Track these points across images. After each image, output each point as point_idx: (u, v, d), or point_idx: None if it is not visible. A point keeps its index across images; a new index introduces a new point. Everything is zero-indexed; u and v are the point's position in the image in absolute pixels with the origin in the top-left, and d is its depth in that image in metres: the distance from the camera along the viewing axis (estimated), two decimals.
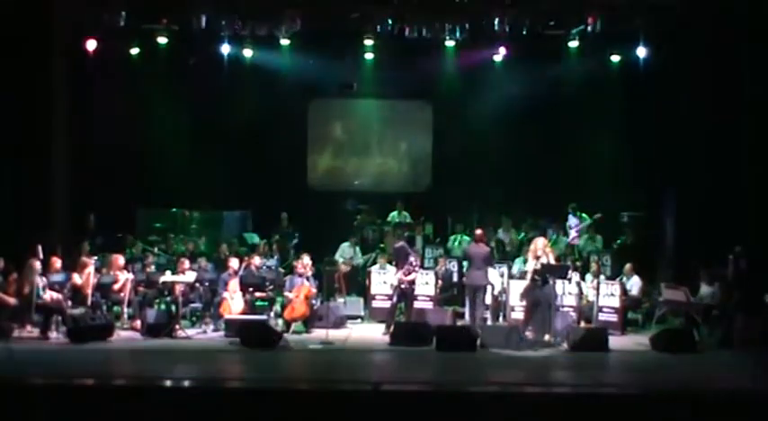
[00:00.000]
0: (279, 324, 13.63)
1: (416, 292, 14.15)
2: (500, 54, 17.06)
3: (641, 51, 16.30)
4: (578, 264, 14.75)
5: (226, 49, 16.89)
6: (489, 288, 13.87)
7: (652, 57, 16.34)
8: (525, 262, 13.97)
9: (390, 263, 14.42)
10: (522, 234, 16.60)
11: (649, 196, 16.98)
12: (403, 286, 13.60)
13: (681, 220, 16.29)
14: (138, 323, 13.30)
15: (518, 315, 13.57)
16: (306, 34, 16.62)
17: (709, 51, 15.37)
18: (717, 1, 15.13)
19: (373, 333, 13.70)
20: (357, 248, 16.33)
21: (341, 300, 14.77)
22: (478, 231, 14.29)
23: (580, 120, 17.70)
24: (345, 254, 16.08)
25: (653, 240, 16.63)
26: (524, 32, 15.95)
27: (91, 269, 13.39)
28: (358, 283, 15.64)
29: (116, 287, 13.59)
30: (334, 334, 13.10)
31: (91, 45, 16.25)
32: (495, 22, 15.85)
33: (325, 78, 18.36)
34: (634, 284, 14.28)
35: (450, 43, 16.74)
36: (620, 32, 16.20)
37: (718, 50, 15.16)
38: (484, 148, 18.00)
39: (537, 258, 13.03)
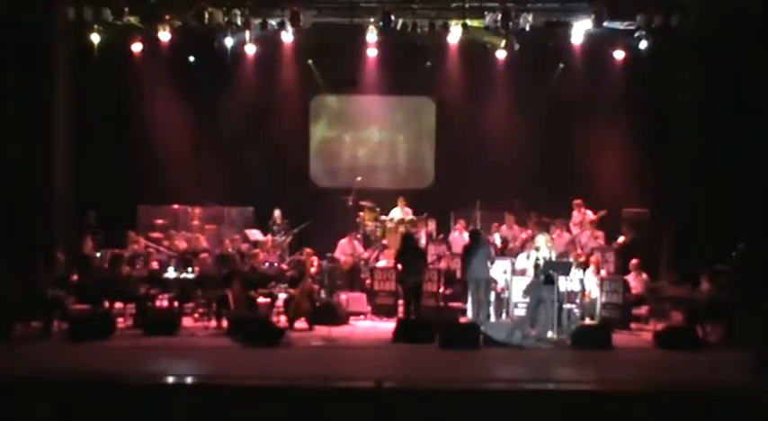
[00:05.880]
0: (281, 321, 13.64)
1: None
2: (503, 49, 17.01)
3: (645, 47, 16.25)
4: (581, 260, 14.72)
5: (228, 44, 16.83)
6: (493, 284, 13.88)
7: (657, 52, 16.29)
8: (528, 257, 14.00)
9: (398, 261, 14.33)
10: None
11: (653, 193, 16.93)
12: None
13: (684, 217, 16.23)
14: (140, 320, 13.30)
15: (521, 311, 13.57)
16: (308, 30, 16.59)
17: (713, 47, 15.32)
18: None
19: (376, 330, 13.69)
20: (356, 243, 16.31)
21: (344, 296, 14.75)
22: (477, 228, 14.41)
23: (584, 116, 17.64)
24: (345, 250, 16.05)
25: (656, 237, 16.58)
26: (528, 28, 15.87)
27: (93, 265, 13.39)
28: (361, 279, 15.62)
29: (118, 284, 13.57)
30: (337, 331, 13.10)
31: (93, 40, 16.23)
32: (499, 17, 15.78)
33: (327, 74, 18.36)
34: (639, 281, 14.25)
35: (453, 39, 16.70)
36: (625, 28, 16.17)
37: (723, 46, 15.10)
38: (487, 145, 17.96)
39: (537, 250, 13.09)
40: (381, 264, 15.22)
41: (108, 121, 17.26)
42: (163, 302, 14.12)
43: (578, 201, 16.72)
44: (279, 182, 18.12)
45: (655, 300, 14.18)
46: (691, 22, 15.57)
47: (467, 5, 16.06)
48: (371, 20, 16.37)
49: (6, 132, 15.00)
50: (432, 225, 17.13)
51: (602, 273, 14.40)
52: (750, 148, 15.00)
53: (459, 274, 15.03)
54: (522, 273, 14.07)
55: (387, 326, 13.42)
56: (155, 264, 14.63)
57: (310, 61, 18.22)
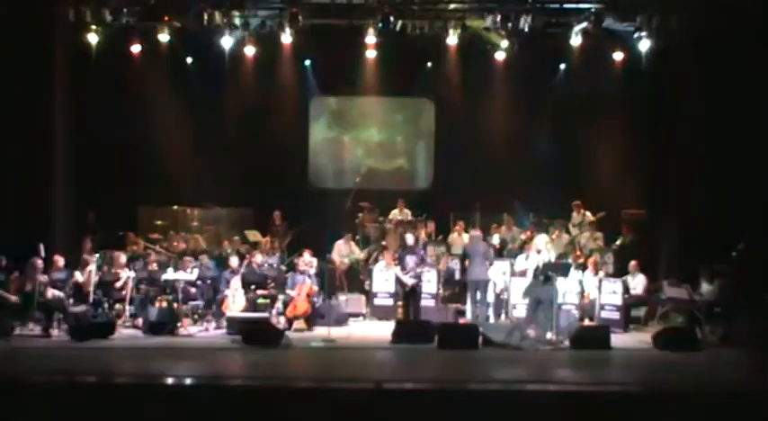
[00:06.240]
0: (281, 321, 13.63)
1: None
2: (503, 50, 16.99)
3: (645, 47, 16.25)
4: (580, 261, 14.72)
5: (227, 45, 16.80)
6: (492, 285, 13.88)
7: (657, 52, 16.30)
8: (527, 259, 14.00)
9: (399, 263, 14.35)
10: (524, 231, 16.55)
11: (653, 193, 16.93)
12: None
13: (682, 218, 16.23)
14: (139, 321, 13.34)
15: (520, 312, 13.57)
16: (307, 31, 16.58)
17: (713, 47, 15.32)
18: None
19: (375, 331, 13.69)
20: (352, 244, 16.30)
21: (342, 297, 14.75)
22: (477, 231, 14.40)
23: (584, 117, 17.63)
24: (341, 251, 16.05)
25: (655, 238, 16.58)
26: (527, 29, 15.86)
27: (92, 267, 13.39)
28: (359, 281, 15.61)
29: (118, 285, 13.60)
30: (336, 332, 13.09)
31: (92, 41, 16.22)
32: (498, 18, 15.78)
33: (326, 75, 18.36)
34: (639, 282, 14.25)
35: (452, 40, 16.68)
36: (624, 29, 16.17)
37: (723, 46, 15.11)
38: (486, 146, 17.94)
39: (539, 252, 13.06)
40: (380, 265, 15.20)
41: (107, 122, 17.24)
42: (162, 303, 14.10)
43: (577, 203, 16.73)
44: (278, 183, 18.09)
45: (654, 300, 14.20)
46: (691, 22, 15.56)
47: (466, 6, 16.06)
48: (370, 21, 16.35)
49: (6, 132, 14.99)
50: (431, 226, 17.10)
51: (601, 274, 14.39)
52: (750, 148, 15.00)
53: (458, 275, 15.05)
54: (522, 274, 14.06)
55: (385, 327, 13.41)
56: (154, 266, 14.63)
57: (307, 62, 18.20)
